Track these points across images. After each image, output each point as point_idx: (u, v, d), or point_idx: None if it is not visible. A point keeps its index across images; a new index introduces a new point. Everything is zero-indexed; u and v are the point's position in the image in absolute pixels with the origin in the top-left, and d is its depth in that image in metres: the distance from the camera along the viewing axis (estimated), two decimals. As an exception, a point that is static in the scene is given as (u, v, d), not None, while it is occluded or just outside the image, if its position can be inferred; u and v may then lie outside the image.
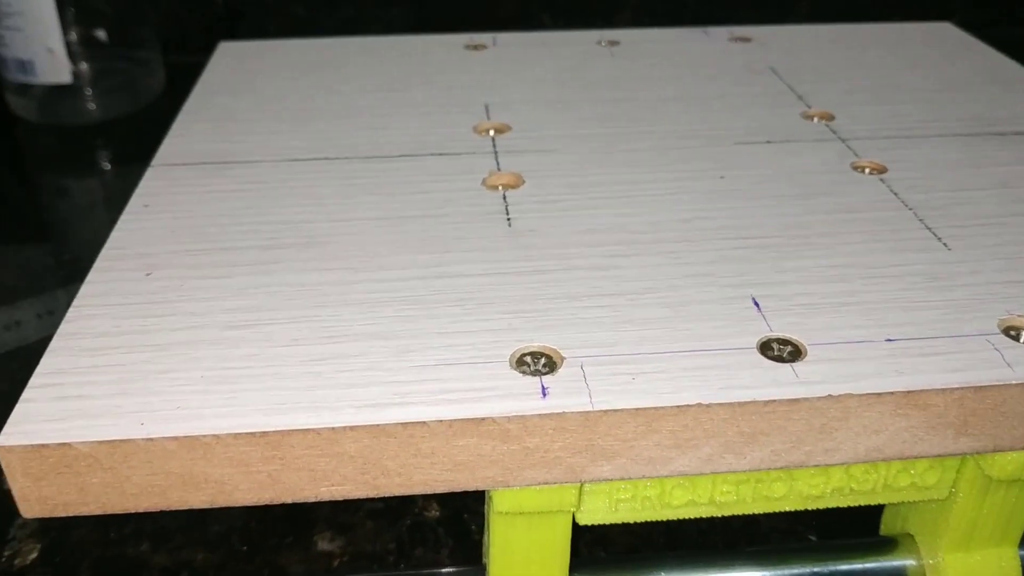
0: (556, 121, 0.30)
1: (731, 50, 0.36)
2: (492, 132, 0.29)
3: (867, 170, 0.27)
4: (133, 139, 0.50)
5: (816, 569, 0.22)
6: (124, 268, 0.22)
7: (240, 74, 0.34)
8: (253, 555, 0.25)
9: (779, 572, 0.22)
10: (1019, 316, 0.21)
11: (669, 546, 0.25)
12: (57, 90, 0.49)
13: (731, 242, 0.23)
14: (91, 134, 0.50)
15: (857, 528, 0.24)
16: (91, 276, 0.22)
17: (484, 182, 0.26)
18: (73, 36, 0.49)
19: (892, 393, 0.18)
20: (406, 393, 0.18)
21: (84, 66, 0.50)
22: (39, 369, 0.19)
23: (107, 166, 0.49)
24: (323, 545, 0.25)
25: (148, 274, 0.22)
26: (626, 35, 0.38)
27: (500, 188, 0.26)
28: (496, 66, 0.35)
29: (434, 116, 0.30)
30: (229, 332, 0.20)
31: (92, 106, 0.50)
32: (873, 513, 0.24)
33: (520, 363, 0.19)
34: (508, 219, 0.24)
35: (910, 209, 0.25)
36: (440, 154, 0.28)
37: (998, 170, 0.27)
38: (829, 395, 0.18)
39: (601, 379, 0.19)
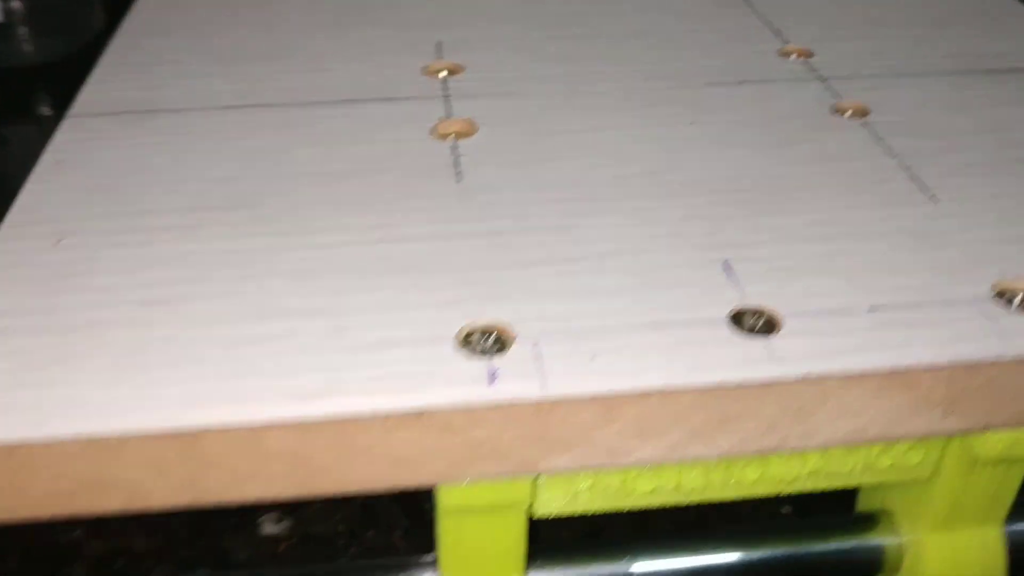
0: (514, 61, 0.28)
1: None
2: (444, 73, 0.27)
3: (849, 112, 0.25)
4: (71, 81, 0.47)
5: (793, 550, 0.20)
6: (31, 236, 0.20)
7: (170, 11, 0.31)
8: (195, 539, 0.23)
9: (755, 553, 0.20)
10: (1014, 279, 0.19)
11: (637, 523, 0.24)
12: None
13: (702, 197, 0.21)
14: (28, 76, 0.47)
15: (833, 502, 0.22)
16: (-9, 249, 0.20)
17: (433, 130, 0.24)
18: (2, -30, 0.46)
19: (875, 373, 0.17)
20: (339, 380, 0.16)
21: (16, 4, 0.46)
22: (-76, 356, 0.17)
23: (45, 111, 0.46)
24: (269, 528, 0.23)
25: (59, 240, 0.20)
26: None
27: (451, 137, 0.24)
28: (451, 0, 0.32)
29: (380, 56, 0.28)
30: (144, 310, 0.18)
31: (28, 47, 0.47)
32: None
33: (467, 342, 0.17)
34: (458, 172, 0.22)
35: (895, 157, 0.23)
36: (385, 99, 0.26)
37: (990, 112, 0.25)
38: (806, 376, 0.17)
39: (557, 359, 0.17)
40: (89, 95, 0.26)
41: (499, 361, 0.17)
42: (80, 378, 0.16)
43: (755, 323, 0.18)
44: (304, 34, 0.29)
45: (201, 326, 0.18)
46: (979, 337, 0.17)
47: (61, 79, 0.47)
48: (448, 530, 0.18)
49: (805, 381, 0.17)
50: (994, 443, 0.18)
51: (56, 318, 0.18)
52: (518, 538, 0.19)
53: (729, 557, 0.20)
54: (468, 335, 0.18)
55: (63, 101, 0.44)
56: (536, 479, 0.18)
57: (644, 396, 0.16)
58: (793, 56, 0.28)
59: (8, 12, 0.46)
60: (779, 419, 0.17)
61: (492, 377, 0.17)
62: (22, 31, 0.47)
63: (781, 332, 0.18)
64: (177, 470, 0.16)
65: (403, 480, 0.17)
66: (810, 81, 0.27)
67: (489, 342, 0.17)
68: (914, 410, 0.17)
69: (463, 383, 0.16)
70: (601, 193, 0.22)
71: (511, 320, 0.18)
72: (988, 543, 0.20)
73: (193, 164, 0.23)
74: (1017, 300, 0.18)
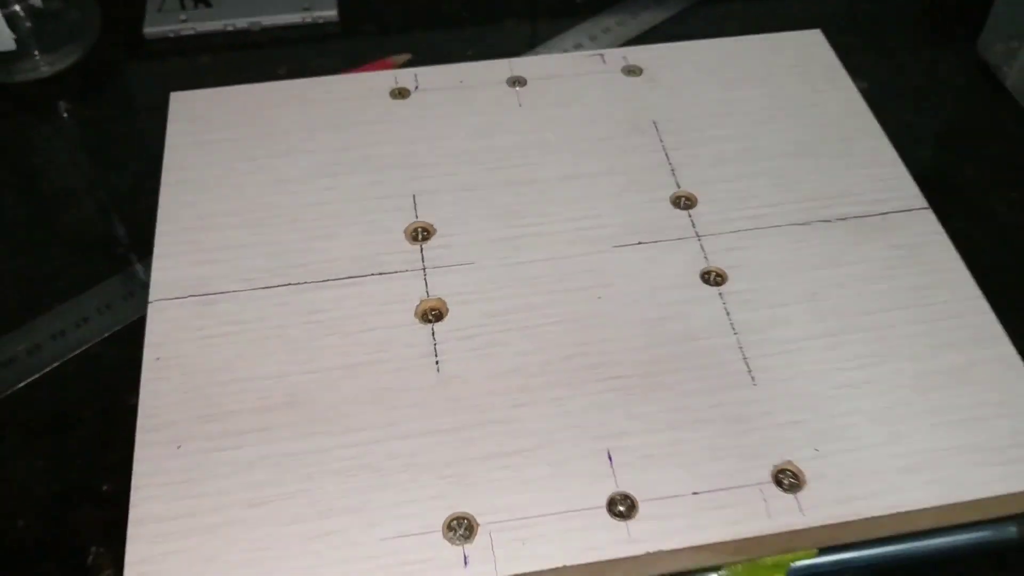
0: (472, 217, 0.37)
1: (622, 90, 0.42)
2: (420, 238, 0.36)
3: (712, 277, 0.35)
4: (87, 87, 0.55)
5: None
6: (158, 442, 0.31)
7: (196, 153, 0.39)
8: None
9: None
10: (785, 463, 0.30)
11: None
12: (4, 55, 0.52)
13: (601, 384, 0.32)
14: (46, 86, 0.54)
15: None
16: (137, 454, 0.30)
17: (416, 312, 0.34)
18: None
19: (692, 548, 0.29)
20: (378, 567, 0.28)
21: (27, 24, 0.53)
22: (128, 562, 0.28)
23: (67, 117, 0.54)
24: None
25: (179, 447, 0.31)
26: (532, 67, 0.43)
27: (430, 321, 0.34)
28: (419, 126, 0.40)
29: (371, 217, 0.37)
30: (250, 511, 0.29)
31: (43, 63, 0.54)
32: None
33: (449, 528, 0.29)
34: (437, 363, 0.33)
35: (736, 334, 0.34)
36: (379, 274, 0.35)
37: (812, 276, 0.35)
38: (646, 552, 0.28)
39: (502, 546, 0.28)
40: (158, 280, 0.35)
41: (468, 547, 0.29)
42: (223, 571, 0.28)
43: (623, 509, 0.29)
44: (308, 186, 0.38)
45: (287, 524, 0.29)
46: (755, 517, 0.29)
47: (76, 86, 0.54)
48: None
49: (647, 555, 0.28)
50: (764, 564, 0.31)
51: (197, 521, 0.29)
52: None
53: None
54: (450, 523, 0.29)
55: (83, 105, 0.52)
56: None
57: (554, 572, 0.28)
58: (682, 202, 0.37)
59: (21, 32, 0.52)
60: (635, 571, 0.29)
61: (466, 561, 0.28)
62: (35, 48, 0.53)
63: (638, 516, 0.29)
64: (287, 627, 0.28)
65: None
66: (690, 239, 0.36)
67: (462, 530, 0.29)
68: (710, 558, 0.29)
69: (450, 566, 0.28)
70: (531, 383, 0.32)
71: (474, 511, 0.29)
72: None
73: (252, 359, 0.33)
74: (785, 484, 0.30)
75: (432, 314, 0.34)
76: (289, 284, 0.35)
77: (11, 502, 0.39)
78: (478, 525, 0.29)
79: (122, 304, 0.45)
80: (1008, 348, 0.33)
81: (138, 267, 0.47)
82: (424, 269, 0.35)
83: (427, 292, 0.35)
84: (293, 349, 0.33)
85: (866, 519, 0.29)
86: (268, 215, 0.37)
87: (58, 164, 0.53)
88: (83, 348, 0.44)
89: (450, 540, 0.29)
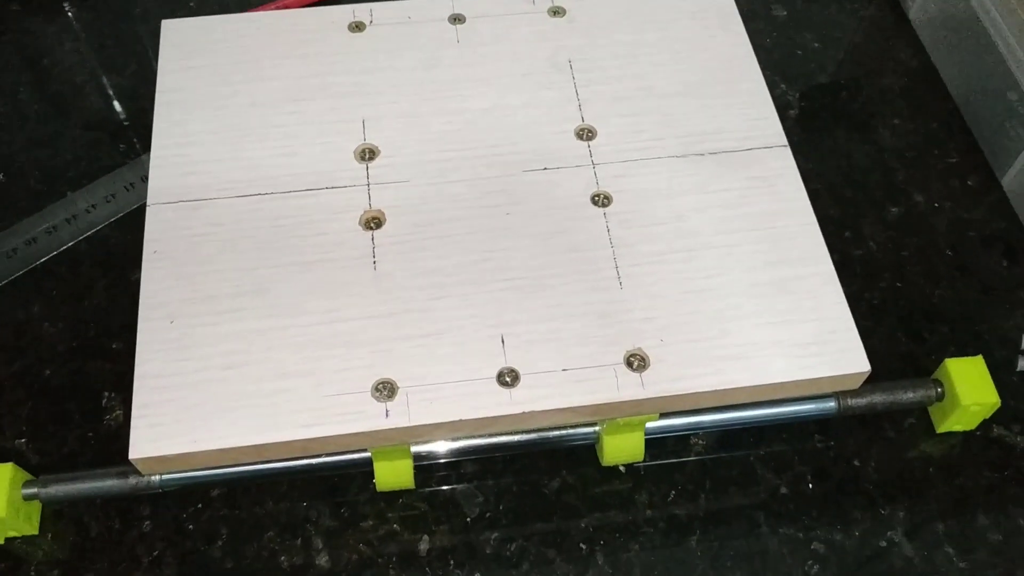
0: (411, 141, 0.45)
1: (546, 31, 0.49)
2: (367, 158, 0.44)
3: (600, 199, 0.44)
4: None
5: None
6: (156, 318, 0.40)
7: (184, 77, 0.47)
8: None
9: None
10: (638, 348, 0.40)
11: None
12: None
13: (500, 283, 0.41)
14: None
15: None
16: (140, 326, 0.40)
17: (360, 221, 0.43)
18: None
19: (558, 409, 0.38)
20: (321, 417, 0.38)
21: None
22: (135, 404, 0.38)
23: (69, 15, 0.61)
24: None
25: (171, 322, 0.40)
26: (471, 5, 0.50)
27: (371, 228, 0.42)
28: (372, 58, 0.48)
29: (327, 139, 0.45)
30: (226, 372, 0.39)
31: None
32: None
33: (376, 390, 0.38)
34: (374, 263, 0.42)
35: (612, 247, 0.42)
36: (332, 188, 0.44)
37: (682, 200, 0.44)
38: (523, 412, 0.38)
39: (416, 404, 0.38)
40: (154, 187, 0.43)
41: (390, 404, 0.38)
42: (204, 416, 0.38)
43: (508, 380, 0.39)
44: (276, 108, 0.46)
45: (252, 382, 0.38)
46: (608, 389, 0.39)
47: None
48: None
49: (524, 415, 0.38)
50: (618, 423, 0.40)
51: (183, 379, 0.38)
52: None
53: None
54: (376, 385, 0.39)
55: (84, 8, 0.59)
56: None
57: (454, 424, 0.38)
58: (585, 134, 0.46)
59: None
60: (511, 426, 0.39)
61: (387, 414, 0.38)
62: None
63: (519, 386, 0.39)
64: (252, 455, 0.38)
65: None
66: (586, 167, 0.45)
67: (386, 391, 0.38)
68: (576, 419, 0.39)
69: (376, 417, 0.38)
70: (446, 280, 0.41)
71: (396, 377, 0.39)
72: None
73: (229, 255, 0.41)
74: (634, 365, 0.39)
75: (373, 222, 0.43)
76: (260, 194, 0.43)
77: (39, 355, 0.49)
78: (398, 388, 0.38)
79: (125, 193, 0.54)
80: (828, 267, 0.42)
81: (138, 160, 0.55)
82: (368, 185, 0.44)
83: (370, 204, 0.43)
84: (261, 248, 0.42)
85: (691, 393, 0.39)
86: (242, 134, 0.45)
87: (66, 64, 0.60)
88: (93, 231, 0.53)
89: (376, 399, 0.38)
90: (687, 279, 0.42)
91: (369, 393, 0.38)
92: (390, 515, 0.45)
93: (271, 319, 0.40)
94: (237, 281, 0.41)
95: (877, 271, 0.52)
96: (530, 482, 0.46)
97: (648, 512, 0.45)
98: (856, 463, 0.47)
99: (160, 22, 0.50)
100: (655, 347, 0.40)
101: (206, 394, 0.38)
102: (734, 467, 0.46)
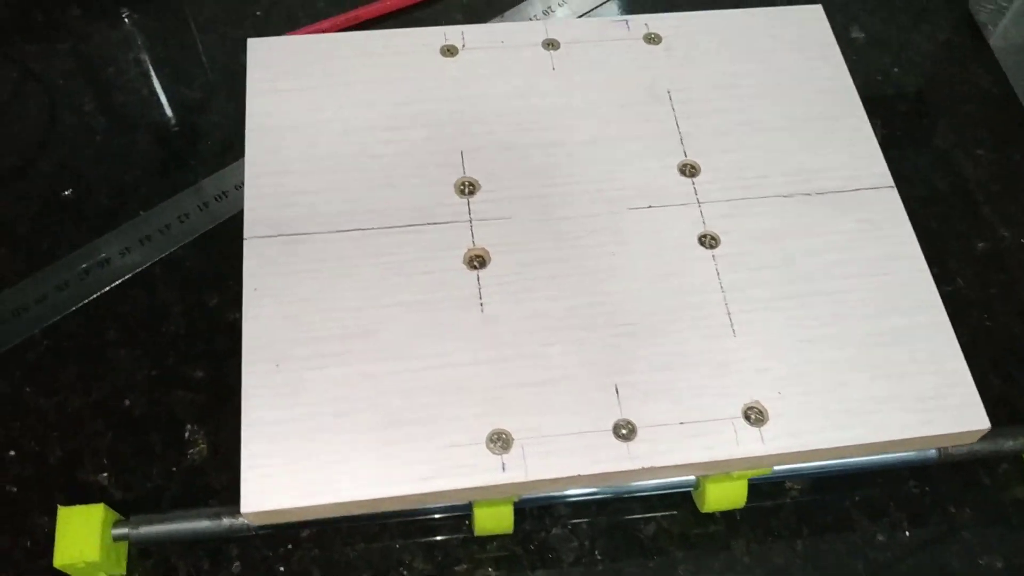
0: (511, 175, 0.44)
1: (643, 59, 0.48)
2: (467, 192, 0.43)
3: (708, 240, 0.42)
4: None
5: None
6: (261, 361, 0.39)
7: (273, 101, 0.45)
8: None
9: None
10: (755, 401, 0.39)
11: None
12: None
13: (612, 329, 0.40)
14: None
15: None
16: (245, 369, 0.38)
17: (464, 259, 0.41)
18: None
19: (674, 466, 0.37)
20: (438, 469, 0.37)
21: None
22: (244, 455, 0.37)
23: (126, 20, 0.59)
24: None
25: (277, 366, 0.39)
26: (565, 30, 0.48)
27: (475, 268, 0.41)
28: (466, 84, 0.46)
29: (425, 171, 0.44)
30: (336, 420, 0.38)
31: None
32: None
33: (490, 439, 0.37)
34: (481, 304, 0.40)
35: (723, 291, 0.41)
36: (433, 223, 0.42)
37: (791, 243, 0.43)
38: (641, 467, 0.37)
39: (533, 457, 0.37)
40: (250, 220, 0.42)
41: (506, 457, 0.37)
42: (320, 466, 0.37)
43: (625, 433, 0.38)
44: (372, 138, 0.44)
45: (365, 431, 0.37)
46: (727, 444, 0.38)
47: None
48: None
49: (643, 471, 0.37)
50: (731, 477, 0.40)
51: (295, 426, 0.37)
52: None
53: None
54: (490, 435, 0.38)
55: (142, 12, 0.57)
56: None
57: (571, 478, 0.37)
58: (688, 170, 0.44)
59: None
60: (627, 480, 0.38)
61: (503, 467, 0.37)
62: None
63: (636, 439, 0.38)
64: (365, 507, 0.37)
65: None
66: (691, 205, 0.43)
67: (500, 443, 0.37)
68: (689, 472, 0.38)
69: (492, 471, 0.37)
70: (558, 324, 0.40)
71: (510, 428, 0.38)
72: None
73: (332, 292, 0.40)
74: (752, 418, 0.38)
75: (477, 260, 0.41)
76: (360, 229, 0.42)
77: (117, 384, 0.48)
78: (513, 439, 0.37)
79: (198, 214, 0.53)
80: (942, 316, 0.41)
81: (211, 178, 0.54)
82: (471, 221, 0.43)
83: (473, 242, 0.42)
84: (365, 286, 0.41)
85: (811, 450, 0.38)
86: (338, 164, 0.44)
87: (130, 74, 0.58)
88: (167, 253, 0.51)
89: (491, 450, 0.37)
90: (801, 327, 0.41)
91: (484, 444, 0.37)
92: (484, 559, 0.44)
93: (380, 363, 0.39)
94: (343, 322, 0.40)
95: (965, 308, 0.52)
96: (625, 525, 0.45)
97: (746, 559, 0.44)
98: (952, 509, 0.46)
99: (224, 30, 0.48)
100: (773, 400, 0.39)
101: (318, 443, 0.37)
102: (829, 512, 0.46)
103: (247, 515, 0.36)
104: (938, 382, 0.40)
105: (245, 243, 0.41)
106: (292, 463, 0.37)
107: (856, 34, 0.62)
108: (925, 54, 0.62)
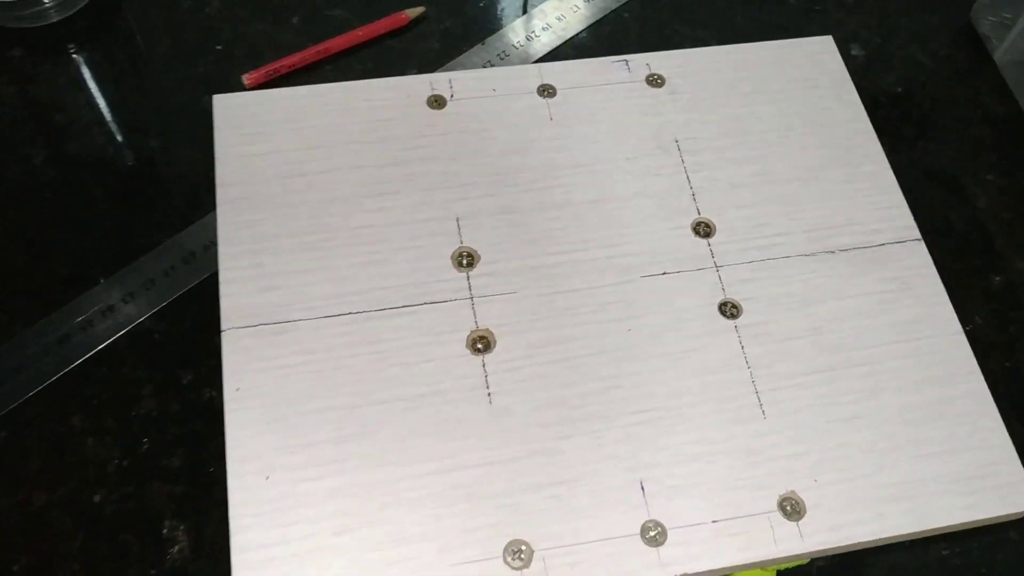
0: (512, 243, 0.40)
1: (646, 104, 0.44)
2: (465, 264, 0.39)
3: (728, 309, 0.39)
4: (93, 33, 0.55)
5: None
6: (249, 473, 0.35)
7: (247, 167, 0.41)
8: None
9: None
10: (791, 491, 0.36)
11: None
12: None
13: (632, 416, 0.37)
14: (55, 30, 0.54)
15: None
16: (231, 484, 0.35)
17: (466, 342, 0.38)
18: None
19: (708, 570, 0.34)
20: (449, 591, 0.33)
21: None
22: (234, 589, 0.33)
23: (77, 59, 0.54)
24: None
25: (267, 478, 0.35)
26: (560, 74, 0.44)
27: (479, 351, 0.38)
28: (458, 141, 0.42)
29: (419, 242, 0.40)
30: (337, 538, 0.34)
31: (51, 10, 0.53)
32: None
33: (508, 552, 0.34)
34: (489, 394, 0.37)
35: (748, 368, 0.38)
36: (431, 303, 0.39)
37: (816, 310, 0.40)
38: (675, 575, 0.34)
39: (555, 570, 0.34)
40: (228, 307, 0.38)
41: (527, 572, 0.34)
42: (319, 594, 0.33)
43: (654, 535, 0.35)
44: (358, 207, 0.40)
45: (368, 551, 0.34)
46: (763, 543, 0.35)
47: (82, 31, 0.55)
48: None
49: (675, 577, 0.34)
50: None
51: (290, 548, 0.34)
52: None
53: None
54: (509, 547, 0.34)
55: (91, 50, 0.52)
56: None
57: (597, 596, 0.34)
58: (701, 229, 0.41)
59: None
60: (660, 591, 0.35)
61: (524, 584, 0.34)
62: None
63: (667, 543, 0.35)
64: (375, 637, 0.33)
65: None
66: (708, 270, 0.40)
67: (520, 556, 0.34)
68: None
69: (510, 590, 0.34)
70: (571, 415, 0.37)
71: (528, 538, 0.34)
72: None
73: (325, 390, 0.36)
74: (788, 511, 0.36)
75: (481, 343, 0.38)
76: (351, 313, 0.38)
77: (86, 478, 0.43)
78: (533, 551, 0.34)
79: (164, 279, 0.48)
80: (980, 384, 0.39)
81: (178, 238, 0.49)
82: (472, 298, 0.39)
83: (476, 323, 0.38)
84: (360, 380, 0.37)
85: (853, 543, 0.35)
86: (323, 237, 0.40)
87: (83, 121, 0.53)
88: (133, 324, 0.47)
89: (510, 565, 0.34)
90: (833, 404, 0.38)
91: (501, 559, 0.34)
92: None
93: (381, 469, 0.35)
94: (338, 423, 0.36)
95: (985, 350, 0.49)
96: (645, 608, 0.42)
97: (773, 637, 0.42)
98: (983, 570, 0.44)
99: (181, 68, 0.43)
100: (809, 489, 0.36)
101: (318, 567, 0.33)
102: (857, 583, 0.43)
103: (243, 656, 0.32)
104: (980, 459, 0.37)
105: (223, 335, 0.37)
106: (291, 591, 0.33)
107: (856, 52, 0.59)
108: (928, 72, 0.59)
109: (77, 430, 0.45)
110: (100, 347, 0.46)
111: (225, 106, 0.42)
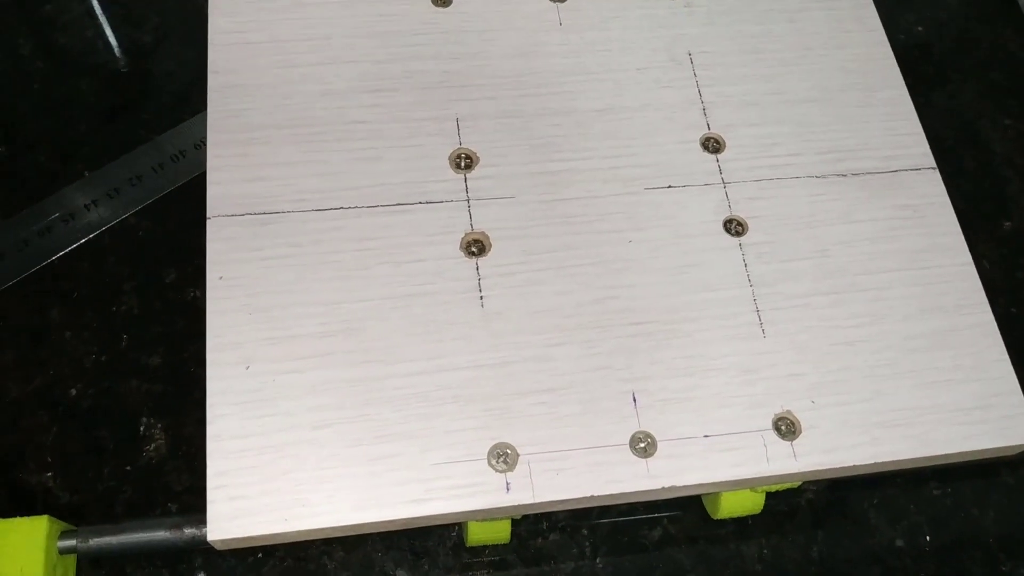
0: (513, 147, 0.39)
1: (661, 16, 0.42)
2: (463, 166, 0.38)
3: (734, 226, 0.38)
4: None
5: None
6: (228, 362, 0.34)
7: (240, 55, 0.39)
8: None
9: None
10: (787, 411, 0.35)
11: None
12: None
13: (627, 328, 0.36)
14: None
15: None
16: (209, 372, 0.33)
17: (460, 244, 0.36)
18: None
19: (698, 484, 0.33)
20: (429, 490, 0.32)
21: None
22: (210, 474, 0.32)
23: None
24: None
25: (247, 368, 0.34)
26: (575, -17, 0.43)
27: (473, 254, 0.36)
28: (461, 41, 0.41)
29: (416, 140, 0.38)
30: (316, 432, 0.33)
31: None
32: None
33: (493, 455, 0.33)
34: (481, 298, 0.36)
35: (751, 286, 0.37)
36: (426, 203, 0.37)
37: (825, 231, 0.38)
38: (662, 487, 0.33)
39: (539, 475, 0.33)
40: (214, 196, 0.36)
41: (510, 475, 0.33)
42: (296, 488, 0.32)
43: (643, 447, 0.34)
44: (354, 100, 0.39)
45: (348, 446, 0.33)
46: (757, 461, 0.34)
47: None
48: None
49: (661, 490, 0.33)
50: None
51: (268, 439, 0.33)
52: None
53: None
54: (492, 450, 0.33)
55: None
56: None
57: (580, 500, 0.33)
58: (711, 144, 0.40)
59: None
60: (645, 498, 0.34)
61: (508, 487, 0.33)
62: None
63: (656, 455, 0.34)
64: (349, 531, 0.32)
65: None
66: (715, 185, 0.39)
67: (505, 462, 0.33)
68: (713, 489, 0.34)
69: (495, 491, 0.32)
70: (566, 323, 0.35)
71: (514, 443, 0.33)
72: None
73: (310, 284, 0.35)
74: (783, 430, 0.34)
75: (475, 247, 0.37)
76: (341, 208, 0.37)
77: (62, 371, 0.42)
78: (519, 455, 0.33)
79: (152, 176, 0.47)
80: (987, 316, 0.37)
81: (167, 135, 0.48)
82: (468, 200, 0.37)
83: (471, 225, 0.37)
84: (347, 276, 0.35)
85: (846, 466, 0.34)
86: (315, 131, 0.38)
87: (73, 13, 0.51)
88: (117, 220, 0.46)
89: (494, 468, 0.33)
90: (836, 328, 0.36)
91: (485, 461, 0.33)
92: (476, 569, 0.40)
93: (366, 366, 0.34)
94: (322, 318, 0.35)
95: (992, 295, 0.48)
96: (628, 531, 0.41)
97: (758, 567, 0.41)
98: (975, 512, 0.43)
99: None
100: (806, 410, 0.35)
101: (296, 460, 0.32)
102: (847, 516, 0.42)
103: (215, 542, 0.31)
104: (983, 390, 0.36)
105: (208, 223, 0.36)
106: (265, 482, 0.32)
107: (878, -12, 0.57)
108: (952, 12, 0.57)
109: (55, 323, 0.44)
110: (82, 241, 0.45)
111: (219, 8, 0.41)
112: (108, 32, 0.51)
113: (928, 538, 0.42)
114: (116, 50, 0.51)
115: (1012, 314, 0.48)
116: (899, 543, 0.42)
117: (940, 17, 0.57)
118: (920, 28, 0.56)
